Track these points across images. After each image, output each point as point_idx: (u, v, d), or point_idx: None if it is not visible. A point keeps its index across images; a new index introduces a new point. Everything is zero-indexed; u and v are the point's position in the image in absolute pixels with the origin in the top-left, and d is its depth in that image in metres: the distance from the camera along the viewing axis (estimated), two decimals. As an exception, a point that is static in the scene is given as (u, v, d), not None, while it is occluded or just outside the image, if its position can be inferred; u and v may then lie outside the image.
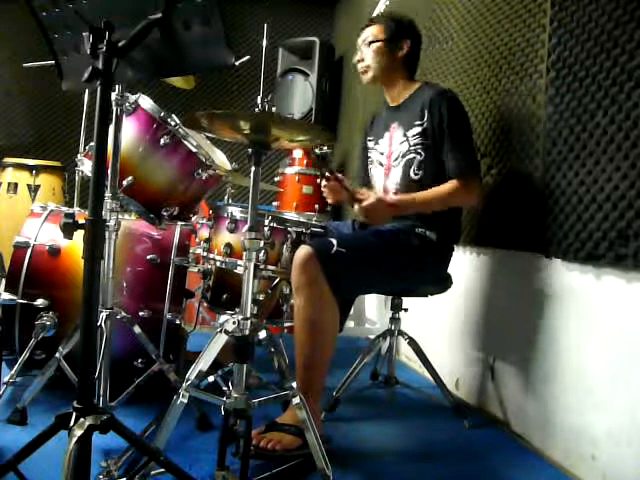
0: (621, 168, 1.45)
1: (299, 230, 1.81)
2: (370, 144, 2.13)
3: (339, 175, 1.83)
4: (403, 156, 1.94)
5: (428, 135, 1.89)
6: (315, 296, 1.64)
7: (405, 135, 1.94)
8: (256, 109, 1.41)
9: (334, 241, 1.68)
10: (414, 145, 1.91)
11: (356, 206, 1.76)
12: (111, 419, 1.07)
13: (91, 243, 1.06)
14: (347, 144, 3.98)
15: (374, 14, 3.52)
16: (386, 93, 2.08)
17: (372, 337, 2.24)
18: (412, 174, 1.92)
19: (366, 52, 2.00)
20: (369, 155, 2.12)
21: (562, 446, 1.68)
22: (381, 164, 2.05)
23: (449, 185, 1.86)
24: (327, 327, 1.67)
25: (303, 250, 1.65)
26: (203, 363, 1.41)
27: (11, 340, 1.84)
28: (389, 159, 2.01)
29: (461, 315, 2.35)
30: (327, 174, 1.84)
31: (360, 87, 3.82)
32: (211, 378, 1.89)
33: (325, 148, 1.85)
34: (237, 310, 1.40)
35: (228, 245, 1.82)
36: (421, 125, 1.90)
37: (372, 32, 2.00)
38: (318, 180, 2.02)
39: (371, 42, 1.98)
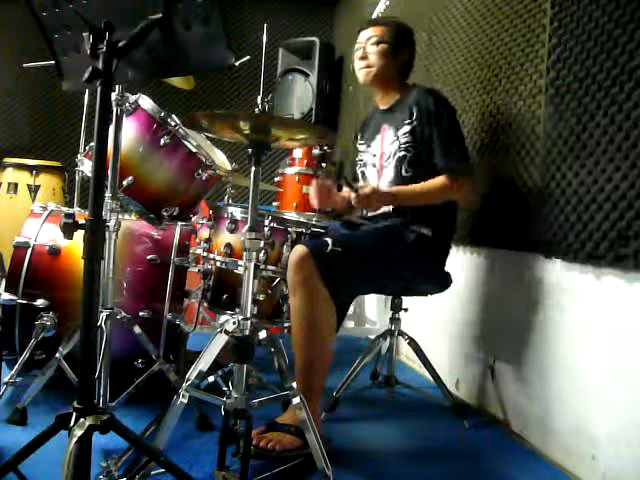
0: (621, 168, 1.45)
1: (299, 230, 1.81)
2: (362, 147, 2.14)
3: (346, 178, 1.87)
4: (394, 155, 1.96)
5: (417, 133, 1.90)
6: (310, 295, 1.64)
7: (396, 135, 1.96)
8: (256, 109, 1.42)
9: (329, 240, 1.69)
10: (404, 143, 1.93)
11: (352, 194, 1.79)
12: (111, 419, 1.07)
13: (91, 243, 1.06)
14: (347, 144, 3.97)
15: (374, 15, 3.52)
16: (377, 95, 2.08)
17: (372, 337, 2.24)
18: (404, 172, 1.93)
19: (370, 51, 1.98)
20: (361, 158, 2.13)
21: (562, 446, 1.68)
22: (374, 165, 2.06)
23: (439, 180, 1.87)
24: (323, 326, 1.67)
25: (298, 250, 1.66)
26: (203, 363, 1.41)
27: (11, 340, 1.84)
28: (381, 159, 2.01)
29: (461, 315, 2.35)
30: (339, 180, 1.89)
31: (362, 87, 3.82)
32: (211, 378, 1.89)
33: (325, 148, 1.86)
34: (237, 310, 1.40)
35: (228, 245, 1.82)
36: (410, 124, 1.92)
37: (377, 33, 1.98)
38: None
39: (378, 42, 1.97)
